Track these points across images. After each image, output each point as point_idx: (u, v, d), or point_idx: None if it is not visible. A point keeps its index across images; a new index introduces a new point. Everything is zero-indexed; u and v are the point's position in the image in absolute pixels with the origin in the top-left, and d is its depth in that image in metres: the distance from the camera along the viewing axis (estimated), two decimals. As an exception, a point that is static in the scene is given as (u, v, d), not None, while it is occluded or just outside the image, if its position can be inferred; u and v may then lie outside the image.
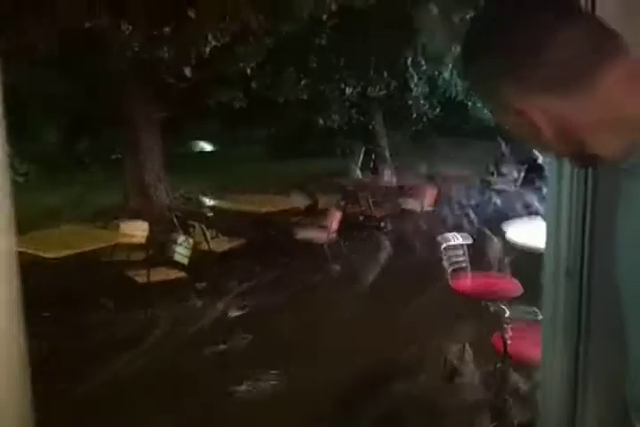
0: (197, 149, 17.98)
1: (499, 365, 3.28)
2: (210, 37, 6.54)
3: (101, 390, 3.67)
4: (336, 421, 3.31)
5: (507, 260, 6.48)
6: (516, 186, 11.83)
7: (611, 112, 0.81)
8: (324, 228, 6.80)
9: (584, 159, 0.90)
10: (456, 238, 4.07)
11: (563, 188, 1.05)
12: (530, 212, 9.88)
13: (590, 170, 1.01)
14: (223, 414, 3.41)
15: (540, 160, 12.92)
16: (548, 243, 1.09)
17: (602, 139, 0.86)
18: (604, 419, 1.18)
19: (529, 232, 3.51)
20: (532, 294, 4.40)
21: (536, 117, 0.88)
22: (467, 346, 4.05)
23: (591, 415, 1.20)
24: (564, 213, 1.06)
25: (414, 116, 12.81)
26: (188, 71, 7.71)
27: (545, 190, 9.57)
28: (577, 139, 0.88)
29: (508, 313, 2.70)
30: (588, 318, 1.10)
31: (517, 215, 9.74)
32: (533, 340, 2.73)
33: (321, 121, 11.65)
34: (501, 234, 7.44)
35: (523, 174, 11.96)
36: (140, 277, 5.25)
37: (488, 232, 7.88)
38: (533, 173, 12.21)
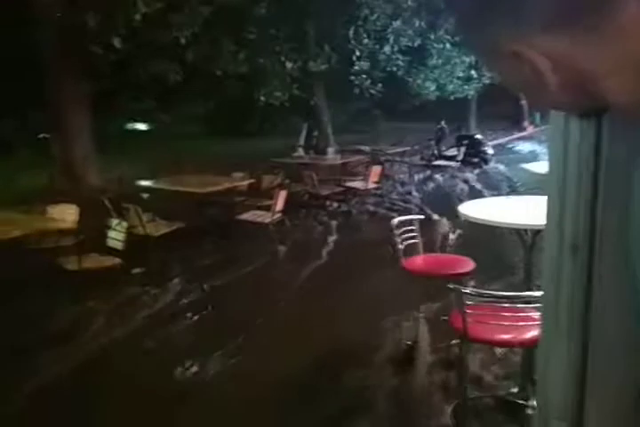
0: (131, 127, 17.21)
1: (456, 342, 3.19)
2: (140, 3, 6.02)
3: (35, 389, 3.33)
4: (289, 406, 3.14)
5: (457, 237, 6.47)
6: (456, 162, 11.95)
7: (632, 53, 0.62)
8: (268, 207, 6.56)
9: (593, 111, 0.72)
10: (407, 215, 3.93)
11: (569, 150, 0.86)
12: (475, 187, 9.99)
13: (602, 128, 0.82)
14: (173, 400, 3.17)
15: (478, 136, 13.13)
16: (549, 214, 0.90)
17: (618, 86, 0.66)
18: (612, 405, 1.02)
19: (484, 208, 3.40)
20: (484, 272, 4.39)
21: (537, 61, 0.66)
22: (422, 326, 3.95)
23: (597, 402, 1.03)
24: (569, 178, 0.87)
25: (356, 91, 12.63)
26: (117, 41, 7.15)
27: (483, 166, 9.72)
28: (587, 87, 0.67)
29: (464, 291, 2.57)
30: (593, 297, 0.93)
31: (461, 191, 9.85)
32: (490, 319, 2.64)
33: (262, 97, 11.29)
34: (448, 211, 7.47)
35: (463, 150, 12.08)
36: (71, 264, 4.86)
37: (436, 209, 7.88)
38: (472, 149, 12.38)
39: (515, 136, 19.74)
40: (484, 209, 3.38)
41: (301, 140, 11.97)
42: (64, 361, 3.68)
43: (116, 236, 5.04)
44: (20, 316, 4.41)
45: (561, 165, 0.93)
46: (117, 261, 4.96)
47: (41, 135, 12.15)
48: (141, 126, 17.54)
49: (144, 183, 7.67)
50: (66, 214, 5.55)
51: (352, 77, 12.41)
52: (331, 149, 10.44)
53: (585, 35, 0.64)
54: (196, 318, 4.41)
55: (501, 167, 12.35)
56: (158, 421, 3.02)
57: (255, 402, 3.15)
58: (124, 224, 5.07)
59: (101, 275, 4.93)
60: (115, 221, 5.21)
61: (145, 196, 7.77)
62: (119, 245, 4.95)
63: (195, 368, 3.58)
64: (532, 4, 0.63)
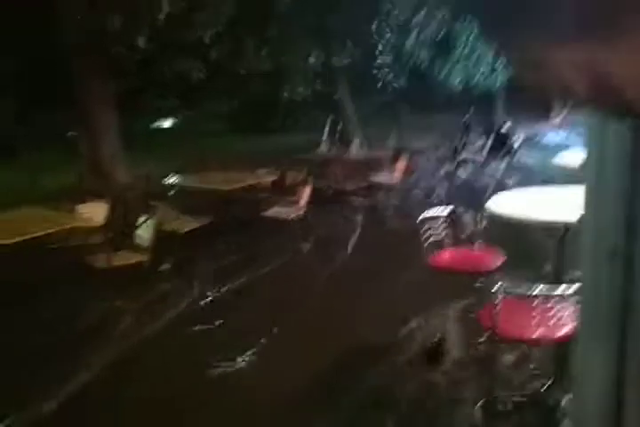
0: (156, 126, 17.37)
1: (485, 340, 3.14)
2: (164, 3, 6.05)
3: (70, 389, 3.38)
4: (315, 403, 3.13)
5: (486, 231, 6.37)
6: (482, 156, 11.76)
7: None
8: (292, 204, 6.55)
9: (627, 112, 0.69)
10: (434, 210, 3.88)
11: (606, 147, 0.81)
12: (503, 181, 9.84)
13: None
14: (200, 398, 3.19)
15: (505, 129, 12.90)
16: (586, 216, 0.86)
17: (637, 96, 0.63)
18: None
19: (512, 202, 3.33)
20: (515, 267, 4.30)
21: (563, 69, 0.64)
22: (450, 323, 3.90)
23: (636, 407, 1.00)
24: (608, 177, 0.82)
25: (380, 85, 12.53)
26: (141, 41, 7.20)
27: (515, 159, 9.55)
28: (617, 90, 0.65)
29: (495, 288, 2.52)
30: (633, 301, 0.88)
31: (488, 185, 9.70)
32: (520, 316, 2.59)
33: (285, 93, 11.27)
34: (475, 205, 7.36)
35: (489, 143, 11.88)
36: (100, 262, 4.92)
37: (463, 204, 7.77)
38: (499, 141, 12.17)
39: (544, 127, 19.36)
40: (512, 204, 3.30)
41: (325, 136, 11.92)
42: (95, 359, 3.72)
43: (143, 233, 5.09)
44: (50, 314, 4.49)
45: (598, 165, 0.88)
46: (145, 258, 5.01)
47: (68, 133, 12.32)
48: (166, 124, 17.69)
49: (170, 181, 7.73)
50: (94, 212, 5.62)
51: (375, 71, 12.31)
52: (355, 144, 10.36)
53: (601, 47, 0.62)
54: (222, 315, 4.42)
55: (529, 160, 12.12)
56: (186, 417, 3.05)
57: (282, 399, 3.15)
58: (152, 222, 5.12)
59: (129, 272, 4.98)
60: (142, 219, 5.25)
61: (171, 193, 7.83)
62: (147, 243, 5.00)
63: (221, 366, 3.59)
64: (551, 18, 0.61)
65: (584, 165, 0.87)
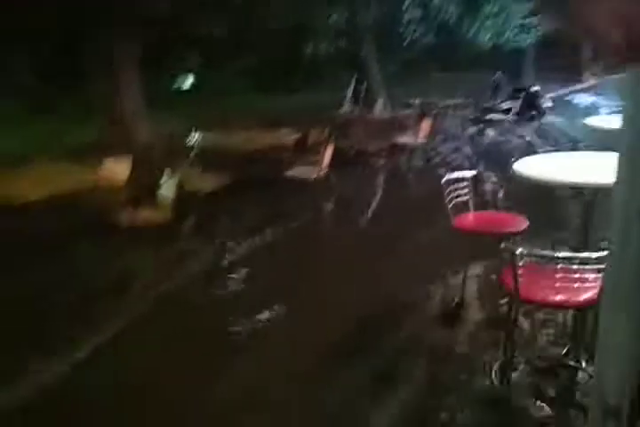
0: (179, 84, 17.23)
1: (506, 302, 3.12)
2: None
3: (95, 342, 3.48)
4: (337, 362, 3.18)
5: (510, 194, 6.27)
6: (511, 116, 11.46)
7: None
8: (314, 163, 6.50)
9: None
10: (458, 172, 3.80)
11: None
12: (531, 143, 9.62)
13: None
14: (225, 354, 3.26)
15: (535, 89, 12.51)
16: (619, 178, 0.81)
17: None
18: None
19: (540, 165, 3.24)
20: (537, 231, 4.24)
21: (603, 20, 0.63)
22: (472, 284, 3.89)
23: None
24: None
25: (406, 43, 12.16)
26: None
27: (540, 120, 9.28)
28: None
29: (518, 250, 2.48)
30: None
31: (516, 146, 9.50)
32: (542, 279, 2.56)
33: (308, 51, 11.01)
34: (502, 168, 7.22)
35: (519, 104, 11.56)
36: (123, 218, 4.99)
37: (489, 166, 7.64)
38: (528, 102, 11.84)
39: (574, 88, 18.74)
40: (540, 166, 3.22)
41: (349, 94, 11.69)
42: (117, 315, 3.80)
43: (166, 191, 5.14)
44: (73, 270, 4.57)
45: (633, 126, 0.83)
46: (168, 215, 5.06)
47: (91, 89, 12.29)
48: (189, 82, 17.54)
49: (193, 139, 7.71)
50: (117, 169, 5.67)
51: (402, 28, 11.93)
52: (379, 103, 10.16)
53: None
54: (243, 272, 4.47)
55: (559, 121, 11.80)
56: (207, 374, 3.12)
57: (303, 357, 3.20)
58: (175, 180, 5.15)
59: (152, 229, 5.05)
60: (165, 177, 5.29)
61: (194, 151, 7.83)
62: (169, 200, 5.04)
63: (244, 322, 3.64)
64: None
65: (620, 126, 0.82)
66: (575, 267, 2.43)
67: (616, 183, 0.85)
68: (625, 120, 0.83)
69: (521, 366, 2.96)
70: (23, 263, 4.55)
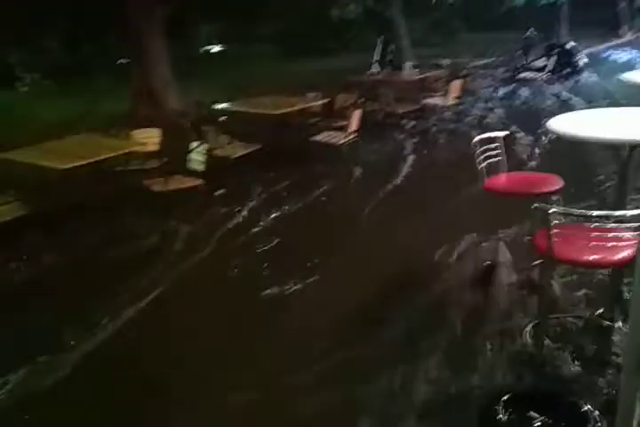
0: (206, 50, 17.12)
1: (540, 263, 3.12)
2: None
3: (133, 303, 3.62)
4: (370, 323, 3.24)
5: (544, 154, 6.14)
6: (546, 74, 11.10)
7: None
8: (343, 128, 6.46)
9: None
10: (490, 133, 3.73)
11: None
12: (566, 101, 9.34)
13: None
14: (254, 318, 3.36)
15: (570, 46, 12.05)
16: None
17: None
18: None
19: (574, 122, 3.15)
20: (573, 191, 4.17)
21: None
22: (505, 247, 3.88)
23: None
24: None
25: (434, 2, 11.79)
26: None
27: (576, 77, 8.95)
28: None
29: (552, 210, 2.45)
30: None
31: (550, 105, 9.24)
32: (577, 239, 2.53)
33: (336, 13, 10.77)
34: (535, 127, 7.05)
35: (553, 60, 11.17)
36: (157, 185, 5.07)
37: (522, 126, 7.47)
38: (564, 58, 11.43)
39: (611, 43, 17.99)
40: (574, 123, 3.14)
41: (376, 56, 11.45)
42: (152, 280, 3.92)
43: (196, 158, 5.17)
44: (110, 235, 4.71)
45: None
46: (199, 182, 5.12)
47: (121, 60, 12.33)
48: (216, 49, 17.39)
49: (221, 106, 7.70)
50: (149, 138, 5.72)
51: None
52: (407, 65, 9.94)
53: None
54: (274, 239, 4.52)
55: (596, 78, 11.40)
56: (241, 337, 3.22)
57: (334, 321, 3.27)
58: (204, 147, 5.17)
59: (185, 196, 5.13)
60: (195, 144, 5.31)
61: (222, 118, 7.84)
62: (200, 167, 5.09)
63: (275, 288, 3.71)
64: None
65: None
66: (610, 226, 2.40)
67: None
68: None
69: (555, 328, 2.97)
70: (66, 227, 4.76)
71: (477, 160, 3.46)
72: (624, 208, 2.80)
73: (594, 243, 2.44)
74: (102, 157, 4.91)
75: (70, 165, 4.60)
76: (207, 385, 2.78)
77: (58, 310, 3.57)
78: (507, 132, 3.77)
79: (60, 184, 5.20)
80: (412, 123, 8.34)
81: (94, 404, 2.71)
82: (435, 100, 8.48)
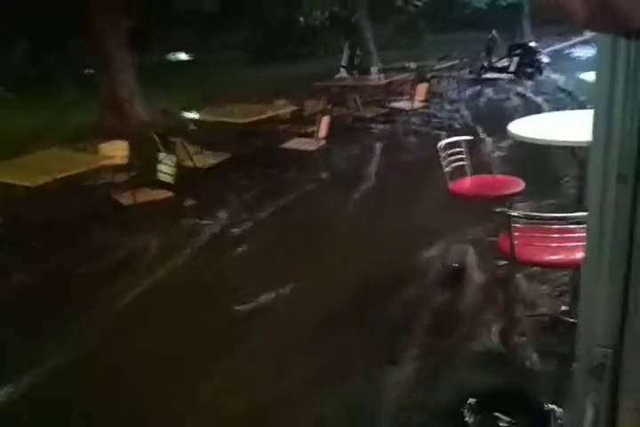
0: (172, 59, 17.03)
1: (503, 264, 3.20)
2: None
3: (101, 318, 3.60)
4: (340, 328, 3.27)
5: (507, 156, 6.27)
6: (509, 74, 11.33)
7: None
8: (312, 134, 6.50)
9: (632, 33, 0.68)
10: (453, 138, 3.81)
11: (618, 69, 0.79)
12: (530, 101, 9.54)
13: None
14: (229, 331, 3.36)
15: (532, 44, 12.31)
16: (595, 140, 0.85)
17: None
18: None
19: (535, 125, 3.25)
20: (536, 193, 4.28)
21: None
22: (470, 248, 3.96)
23: (637, 330, 1.04)
24: (617, 100, 0.80)
25: (400, 4, 11.94)
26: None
27: (538, 77, 9.19)
28: (620, 12, 0.64)
29: (512, 213, 2.53)
30: (636, 228, 0.90)
31: (514, 105, 9.42)
32: (539, 240, 2.61)
33: (301, 18, 10.83)
34: (499, 129, 7.19)
35: (516, 60, 11.41)
36: (125, 198, 5.04)
37: (487, 128, 7.60)
38: (526, 58, 11.67)
39: (573, 41, 18.41)
40: (534, 127, 3.23)
41: (344, 61, 11.56)
42: (124, 292, 3.90)
43: (165, 169, 5.15)
44: (81, 249, 4.67)
45: (607, 88, 0.85)
46: (169, 194, 5.11)
47: (86, 71, 12.22)
48: (183, 57, 17.31)
49: (189, 115, 7.70)
50: (117, 151, 5.68)
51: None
52: (374, 69, 10.06)
53: None
54: (246, 247, 4.54)
55: (557, 77, 11.66)
56: (211, 346, 3.22)
57: (306, 326, 3.29)
58: (173, 158, 5.16)
59: (155, 208, 5.11)
60: (163, 155, 5.30)
61: (190, 128, 7.82)
62: (169, 179, 5.07)
63: (247, 296, 3.73)
64: None
65: (594, 89, 0.84)
66: (570, 227, 2.48)
67: (591, 148, 0.89)
68: (597, 84, 0.85)
69: (522, 325, 3.05)
70: (36, 243, 4.72)
71: (443, 164, 3.53)
72: (584, 209, 2.89)
73: (554, 244, 2.51)
74: (71, 172, 4.87)
75: (38, 183, 4.56)
76: (168, 400, 2.78)
77: (20, 327, 3.53)
78: (470, 137, 3.86)
79: (27, 200, 5.14)
80: (381, 127, 8.44)
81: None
82: (402, 104, 8.59)
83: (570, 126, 3.10)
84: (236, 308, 3.59)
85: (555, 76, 11.83)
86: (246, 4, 10.12)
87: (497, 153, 6.51)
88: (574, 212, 2.55)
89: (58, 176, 4.71)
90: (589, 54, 15.46)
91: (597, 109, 0.89)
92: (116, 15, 8.74)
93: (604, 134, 0.87)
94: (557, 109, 8.04)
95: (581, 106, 7.36)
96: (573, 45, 17.82)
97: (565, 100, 9.41)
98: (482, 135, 7.25)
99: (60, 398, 2.86)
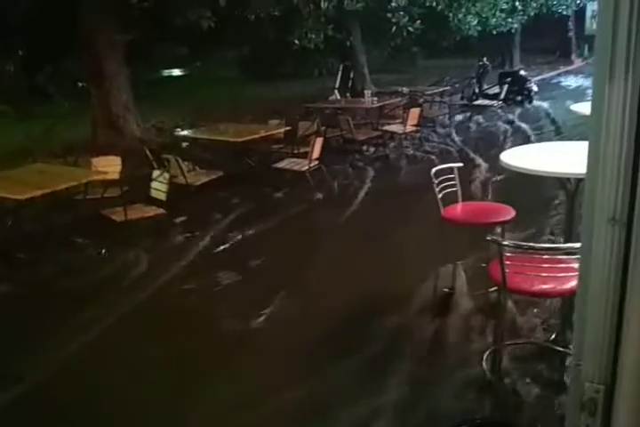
0: (167, 75, 17.12)
1: (494, 291, 3.22)
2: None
3: (89, 335, 3.56)
4: (330, 351, 3.27)
5: (498, 184, 6.35)
6: (499, 101, 11.52)
7: None
8: (304, 155, 6.55)
9: None
10: (445, 164, 3.87)
11: (610, 113, 0.82)
12: (519, 128, 9.69)
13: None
14: (217, 350, 3.34)
15: (522, 72, 12.56)
16: (589, 185, 0.88)
17: None
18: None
19: (526, 155, 3.31)
20: (526, 220, 4.33)
21: None
22: (461, 274, 3.98)
23: (631, 364, 1.06)
24: (611, 135, 0.83)
25: (394, 30, 12.14)
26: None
27: (527, 105, 9.33)
28: None
29: (504, 242, 2.56)
30: (629, 273, 0.92)
31: (504, 132, 9.57)
32: (529, 269, 2.64)
33: (296, 40, 10.95)
34: (490, 156, 7.30)
35: (506, 88, 11.60)
36: (117, 215, 5.02)
37: (478, 154, 7.70)
38: (516, 86, 11.88)
39: (561, 70, 18.80)
40: (525, 156, 3.29)
41: (337, 83, 11.69)
42: (113, 308, 3.87)
43: (158, 186, 5.16)
44: (69, 265, 4.64)
45: (601, 129, 0.89)
46: (161, 211, 5.10)
47: (79, 84, 12.24)
48: (177, 74, 17.42)
49: (182, 133, 7.73)
50: (109, 166, 5.68)
51: (389, 15, 11.89)
52: (367, 92, 10.17)
53: None
54: (238, 264, 4.53)
55: (546, 106, 11.87)
56: (201, 361, 3.20)
57: (296, 347, 3.29)
58: (166, 175, 5.17)
59: (146, 224, 5.10)
60: (156, 172, 5.31)
61: (184, 145, 7.84)
62: (162, 196, 5.07)
63: (237, 314, 3.72)
64: None
65: (588, 130, 0.87)
66: (560, 257, 2.52)
67: (586, 188, 0.91)
68: (590, 127, 0.88)
69: (512, 352, 3.06)
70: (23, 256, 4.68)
71: (435, 190, 3.58)
72: (573, 240, 2.94)
73: (545, 273, 2.55)
74: (61, 187, 4.85)
75: (28, 196, 4.54)
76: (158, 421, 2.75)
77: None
78: (461, 164, 3.92)
79: (17, 214, 5.11)
80: (372, 149, 8.51)
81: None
82: (393, 128, 8.68)
83: (559, 157, 3.17)
84: (218, 328, 3.58)
85: (543, 104, 12.04)
86: (243, 24, 10.23)
87: (487, 179, 6.59)
88: (566, 240, 2.60)
89: (48, 190, 4.70)
90: (577, 84, 15.78)
91: (590, 145, 0.92)
92: (112, 31, 8.80)
93: (598, 179, 0.90)
94: (545, 139, 8.19)
95: (570, 136, 7.51)
96: (561, 74, 18.18)
97: (553, 129, 9.58)
98: (472, 160, 7.34)
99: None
